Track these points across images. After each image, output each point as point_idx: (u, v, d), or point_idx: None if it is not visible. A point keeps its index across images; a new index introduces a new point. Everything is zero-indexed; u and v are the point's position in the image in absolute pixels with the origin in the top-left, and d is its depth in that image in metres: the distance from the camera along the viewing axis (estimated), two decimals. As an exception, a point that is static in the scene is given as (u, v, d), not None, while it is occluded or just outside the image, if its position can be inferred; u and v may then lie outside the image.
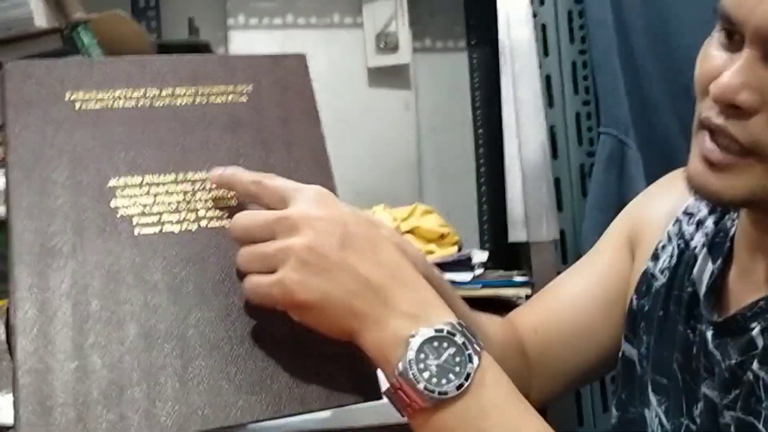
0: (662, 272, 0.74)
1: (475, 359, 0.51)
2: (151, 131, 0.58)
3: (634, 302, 0.76)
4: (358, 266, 0.51)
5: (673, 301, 0.71)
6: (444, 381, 0.49)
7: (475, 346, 0.51)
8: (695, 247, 0.72)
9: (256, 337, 0.53)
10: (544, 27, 1.32)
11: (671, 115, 1.21)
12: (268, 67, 0.63)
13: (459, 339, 0.51)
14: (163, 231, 0.55)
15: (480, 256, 1.31)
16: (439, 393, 0.49)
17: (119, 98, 0.59)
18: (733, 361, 0.61)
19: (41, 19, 1.06)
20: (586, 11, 1.30)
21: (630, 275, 0.79)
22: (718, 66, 0.59)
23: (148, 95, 0.59)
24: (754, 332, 0.61)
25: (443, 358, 0.50)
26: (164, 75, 0.60)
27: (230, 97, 0.61)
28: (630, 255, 0.80)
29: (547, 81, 1.31)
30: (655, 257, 0.76)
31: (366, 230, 0.54)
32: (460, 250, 1.34)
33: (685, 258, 0.72)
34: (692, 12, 1.17)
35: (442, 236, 1.34)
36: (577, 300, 0.81)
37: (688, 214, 0.75)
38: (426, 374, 0.49)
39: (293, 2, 1.57)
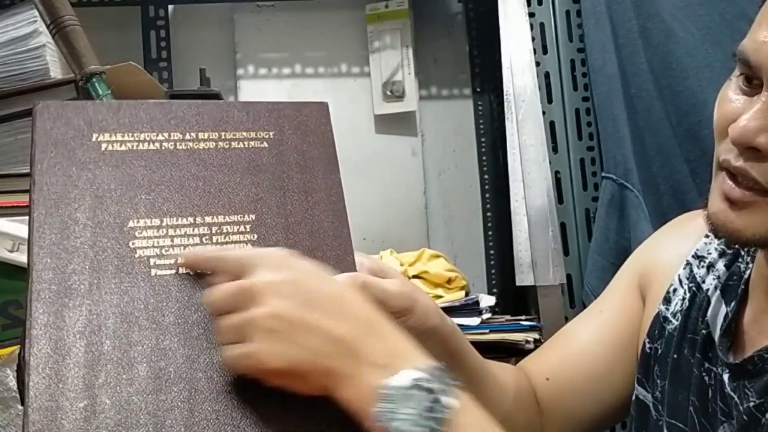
0: (674, 316, 0.74)
1: (451, 403, 0.49)
2: (172, 174, 0.59)
3: (647, 346, 0.76)
4: (324, 326, 0.51)
5: (687, 344, 0.71)
6: (420, 429, 0.48)
7: (451, 389, 0.50)
8: (707, 290, 0.72)
9: (265, 386, 0.53)
10: (547, 75, 1.34)
11: (678, 158, 1.21)
12: (290, 115, 0.65)
13: (433, 385, 0.49)
14: (179, 273, 0.56)
15: (487, 300, 1.31)
16: None
17: (144, 141, 0.60)
18: (752, 404, 0.61)
19: (57, 71, 1.08)
20: (587, 58, 1.32)
21: (641, 319, 0.79)
22: (737, 109, 0.60)
23: (171, 139, 0.60)
24: None
25: (418, 406, 0.49)
26: (188, 120, 0.61)
27: (252, 143, 0.62)
28: (641, 299, 0.80)
29: (551, 127, 1.33)
30: (667, 301, 0.75)
31: (329, 287, 0.53)
32: (467, 294, 1.34)
33: (697, 301, 0.73)
34: (695, 56, 1.18)
35: (450, 281, 1.34)
36: (588, 346, 0.81)
37: (698, 258, 0.76)
38: (400, 424, 0.48)
39: (301, 53, 1.60)
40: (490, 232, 1.62)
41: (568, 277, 1.30)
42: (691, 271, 0.75)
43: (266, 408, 0.52)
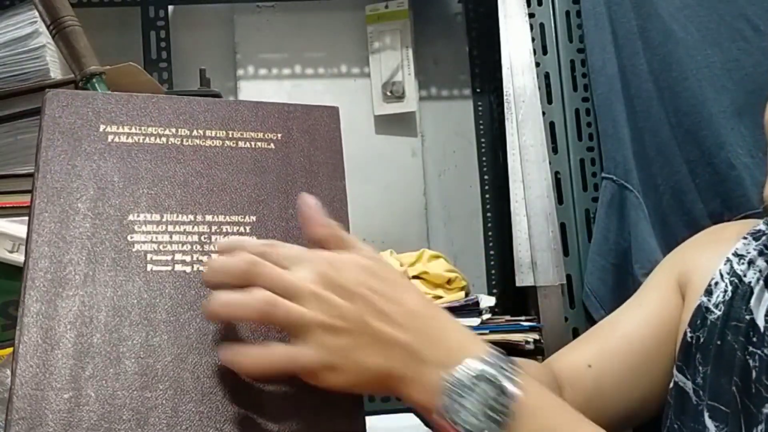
0: (717, 306, 0.77)
1: (515, 392, 0.50)
2: (177, 170, 0.59)
3: (689, 335, 0.78)
4: (388, 333, 0.51)
5: (730, 331, 0.74)
6: (484, 419, 0.49)
7: (511, 376, 0.51)
8: (750, 282, 0.76)
9: (250, 390, 0.53)
10: (547, 75, 1.34)
11: (678, 158, 1.21)
12: (300, 117, 0.64)
13: (496, 374, 0.50)
14: (175, 270, 0.55)
15: (487, 300, 1.31)
16: None
17: (151, 135, 0.59)
18: None
19: (57, 71, 1.09)
20: (587, 59, 1.32)
21: (681, 314, 0.81)
22: None
23: (179, 134, 0.60)
24: None
25: (482, 397, 0.50)
26: (197, 116, 0.61)
27: (259, 144, 0.62)
28: (680, 296, 0.83)
29: (551, 128, 1.32)
30: (709, 293, 0.78)
31: (393, 278, 0.54)
32: (467, 294, 1.34)
33: (740, 292, 0.76)
34: (695, 57, 1.18)
35: (450, 281, 1.34)
36: (631, 335, 0.83)
37: (738, 256, 0.79)
38: (465, 415, 0.49)
39: (301, 53, 1.60)
40: (490, 233, 1.62)
41: (568, 277, 1.30)
42: (732, 267, 0.78)
43: (251, 412, 0.52)
